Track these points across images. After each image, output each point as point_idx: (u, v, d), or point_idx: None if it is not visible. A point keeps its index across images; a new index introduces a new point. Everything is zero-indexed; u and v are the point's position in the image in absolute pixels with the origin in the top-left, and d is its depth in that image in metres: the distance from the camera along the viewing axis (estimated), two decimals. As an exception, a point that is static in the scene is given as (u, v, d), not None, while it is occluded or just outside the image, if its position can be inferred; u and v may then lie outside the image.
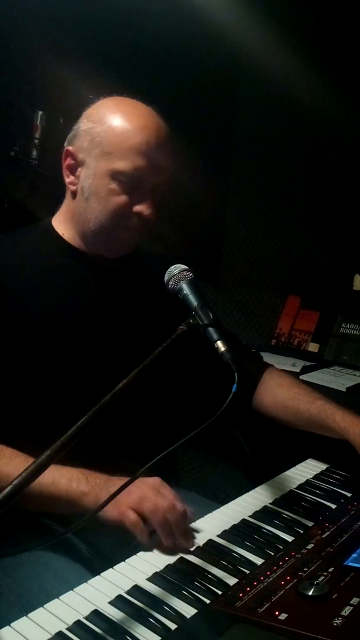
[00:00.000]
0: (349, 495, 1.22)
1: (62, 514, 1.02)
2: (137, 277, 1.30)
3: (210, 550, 0.98)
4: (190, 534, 1.02)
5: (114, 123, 1.15)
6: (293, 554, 0.95)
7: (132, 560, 0.95)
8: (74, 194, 1.21)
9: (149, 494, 1.00)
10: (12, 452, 1.07)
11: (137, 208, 1.16)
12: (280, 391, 1.40)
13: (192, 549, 0.98)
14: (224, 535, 1.03)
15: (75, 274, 1.23)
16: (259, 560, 0.95)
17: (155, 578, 0.90)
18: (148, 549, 0.98)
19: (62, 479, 1.04)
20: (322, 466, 1.36)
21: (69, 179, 1.21)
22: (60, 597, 0.85)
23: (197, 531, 1.04)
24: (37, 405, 1.14)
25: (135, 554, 0.96)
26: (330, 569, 0.88)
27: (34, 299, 1.16)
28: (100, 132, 1.15)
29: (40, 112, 2.16)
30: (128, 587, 0.87)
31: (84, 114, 1.21)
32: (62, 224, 1.25)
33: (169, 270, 1.11)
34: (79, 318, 1.20)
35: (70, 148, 1.19)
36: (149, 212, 1.17)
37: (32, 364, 1.13)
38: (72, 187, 1.20)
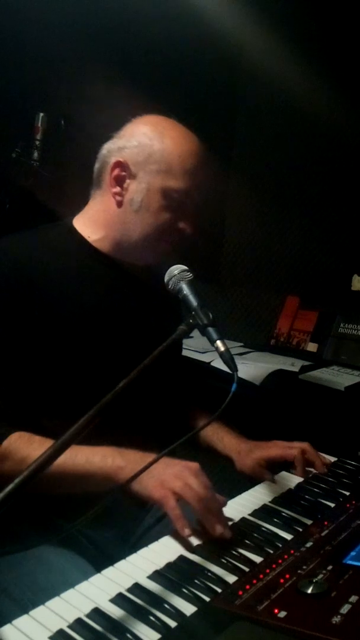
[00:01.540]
0: (347, 493, 1.22)
1: (97, 492, 1.02)
2: (154, 281, 1.29)
3: (210, 548, 0.98)
4: (225, 520, 1.03)
5: (172, 144, 1.21)
6: (292, 552, 0.95)
7: (133, 558, 0.95)
8: (120, 204, 1.24)
9: (192, 481, 1.00)
10: (42, 438, 1.08)
11: (182, 225, 1.24)
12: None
13: (192, 547, 0.99)
14: (223, 533, 1.04)
15: (97, 275, 1.25)
16: (258, 559, 0.95)
17: (155, 576, 0.91)
18: (181, 533, 0.99)
19: (96, 457, 1.06)
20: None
21: (115, 189, 1.24)
22: (61, 595, 0.85)
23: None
24: (55, 398, 1.16)
25: (135, 552, 0.97)
26: (329, 567, 0.89)
27: (58, 297, 1.17)
28: (159, 150, 1.20)
29: (41, 114, 2.17)
30: (128, 585, 0.88)
31: (131, 127, 1.26)
32: (88, 227, 1.27)
33: (169, 270, 1.12)
34: (97, 316, 1.22)
35: (121, 160, 1.22)
36: (191, 230, 1.25)
37: (53, 358, 1.15)
38: (119, 198, 1.24)
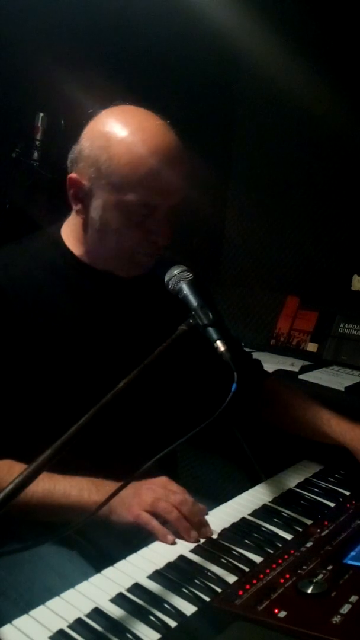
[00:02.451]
0: (347, 493, 1.22)
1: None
2: (145, 286, 1.25)
3: (210, 549, 0.98)
4: (206, 522, 1.04)
5: (119, 151, 1.06)
6: (292, 552, 0.95)
7: (133, 558, 0.95)
8: (84, 222, 1.16)
9: (160, 493, 1.02)
10: (22, 467, 1.06)
11: (153, 238, 1.13)
12: (278, 399, 1.41)
13: (192, 547, 0.99)
14: (223, 533, 1.04)
15: (82, 290, 1.20)
16: (258, 559, 0.95)
17: (155, 576, 0.91)
18: (164, 542, 0.99)
19: (74, 490, 1.05)
20: (321, 465, 1.37)
21: (76, 207, 1.14)
22: (61, 595, 0.85)
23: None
24: (43, 421, 1.13)
25: (136, 552, 0.97)
26: (329, 567, 0.89)
27: (39, 313, 1.14)
28: (106, 161, 1.07)
29: (41, 114, 2.16)
30: (128, 585, 0.88)
31: (85, 132, 1.14)
32: (70, 240, 1.21)
33: (169, 271, 1.11)
34: (84, 334, 1.18)
35: (73, 176, 1.12)
36: (165, 241, 1.14)
37: (40, 379, 1.13)
38: (82, 216, 1.15)
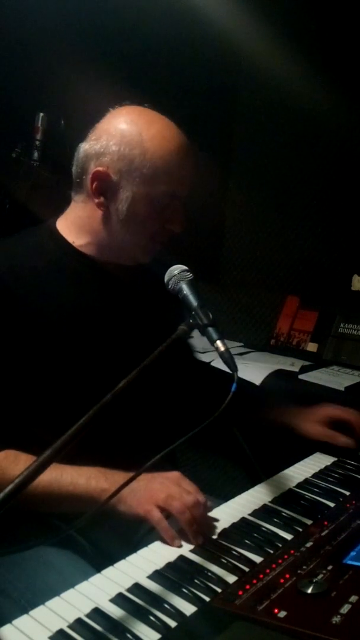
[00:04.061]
0: (347, 493, 1.22)
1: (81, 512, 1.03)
2: (143, 282, 1.28)
3: (210, 548, 0.98)
4: (208, 527, 1.04)
5: (154, 146, 1.14)
6: (292, 552, 0.95)
7: (133, 558, 0.95)
8: (105, 213, 1.19)
9: (174, 491, 1.01)
10: (28, 457, 1.08)
11: (171, 226, 1.20)
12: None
13: (192, 547, 0.99)
14: (223, 533, 1.04)
15: (82, 280, 1.22)
16: (258, 559, 0.95)
17: (155, 576, 0.91)
18: (170, 544, 0.99)
19: (81, 478, 1.05)
20: (321, 465, 1.37)
21: (98, 199, 1.17)
22: (61, 595, 0.85)
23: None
24: (45, 411, 1.14)
25: (136, 552, 0.97)
26: (329, 567, 0.89)
27: (40, 304, 1.15)
28: (139, 155, 1.13)
29: (41, 114, 2.17)
30: (128, 585, 0.88)
31: (104, 128, 1.18)
32: (72, 232, 1.23)
33: (169, 270, 1.12)
34: (86, 324, 1.19)
35: (100, 169, 1.15)
36: (180, 229, 1.21)
37: (40, 370, 1.13)
38: (103, 208, 1.18)
